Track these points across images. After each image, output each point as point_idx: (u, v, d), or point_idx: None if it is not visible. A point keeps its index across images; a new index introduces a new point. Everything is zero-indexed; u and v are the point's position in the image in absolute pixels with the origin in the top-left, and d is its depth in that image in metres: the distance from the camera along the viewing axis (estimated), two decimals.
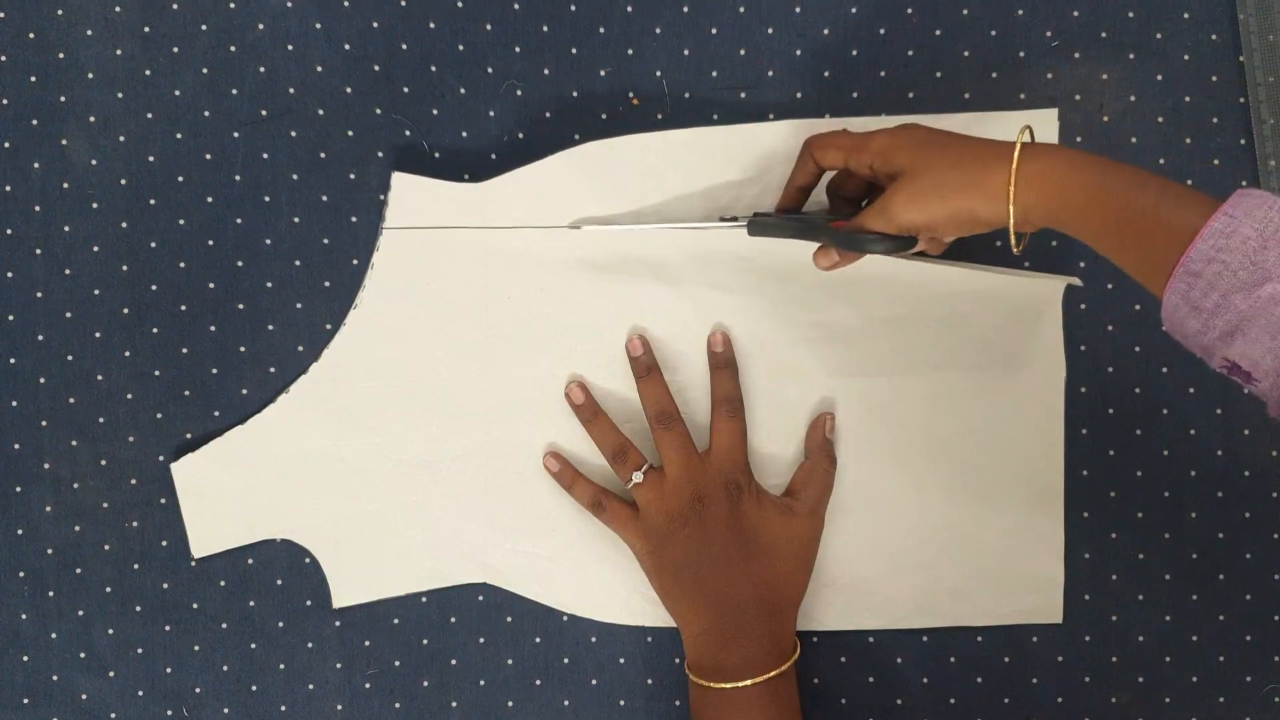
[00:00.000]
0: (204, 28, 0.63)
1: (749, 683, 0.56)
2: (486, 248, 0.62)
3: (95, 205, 0.63)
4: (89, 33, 0.63)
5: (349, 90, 0.63)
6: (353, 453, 0.63)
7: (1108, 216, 0.47)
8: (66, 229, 0.64)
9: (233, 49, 0.63)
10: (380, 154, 0.63)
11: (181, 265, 0.64)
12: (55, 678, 0.65)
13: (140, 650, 0.65)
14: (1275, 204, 0.43)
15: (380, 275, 0.62)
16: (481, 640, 0.65)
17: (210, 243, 0.64)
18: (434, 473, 0.63)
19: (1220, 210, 0.43)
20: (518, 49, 0.63)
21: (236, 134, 0.63)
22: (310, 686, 0.65)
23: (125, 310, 0.64)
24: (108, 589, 0.64)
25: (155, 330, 0.64)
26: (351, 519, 0.63)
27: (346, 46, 0.63)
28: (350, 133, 0.63)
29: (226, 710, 0.65)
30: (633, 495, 0.60)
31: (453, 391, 0.63)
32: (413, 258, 0.62)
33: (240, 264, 0.64)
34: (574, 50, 0.63)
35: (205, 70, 0.63)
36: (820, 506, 0.61)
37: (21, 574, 0.64)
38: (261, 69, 0.63)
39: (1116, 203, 0.47)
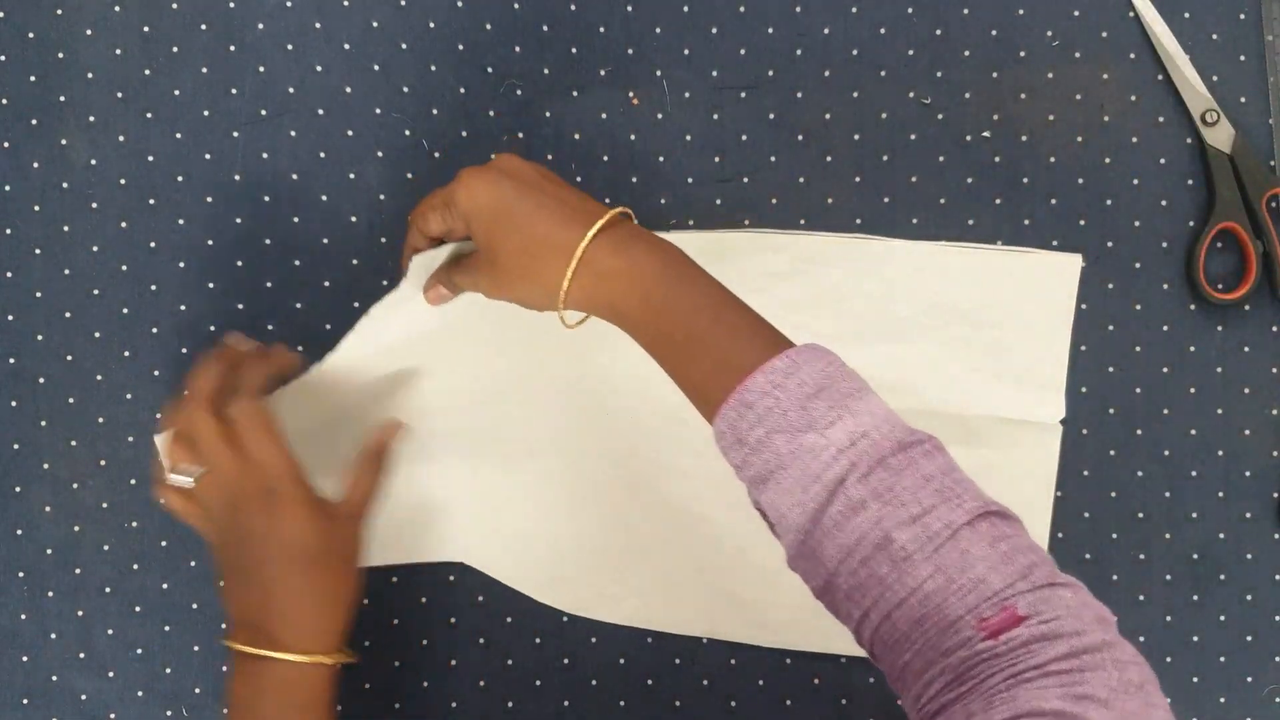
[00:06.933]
0: (204, 27, 0.63)
1: (299, 658, 0.52)
2: None
3: (95, 205, 0.63)
4: (88, 32, 0.63)
5: (349, 90, 0.63)
6: (344, 429, 0.61)
7: (661, 333, 0.47)
8: (66, 229, 0.64)
9: (232, 49, 0.63)
10: (380, 154, 0.63)
11: (181, 265, 0.64)
12: (55, 678, 0.65)
13: (140, 650, 0.65)
14: (836, 360, 0.44)
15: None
16: (481, 640, 0.65)
17: (210, 243, 0.64)
18: (423, 451, 0.62)
19: (785, 352, 0.44)
20: (518, 49, 0.63)
21: (236, 134, 0.63)
22: None
23: (125, 310, 0.64)
24: (108, 589, 0.64)
25: (155, 330, 0.64)
26: (336, 487, 0.61)
27: (346, 46, 0.63)
28: (350, 132, 0.63)
29: (226, 710, 0.65)
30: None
31: (447, 373, 0.62)
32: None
33: (240, 264, 0.64)
34: (574, 50, 0.63)
35: (205, 70, 0.63)
36: (364, 506, 0.57)
37: (21, 574, 0.64)
38: (261, 69, 0.63)
39: (673, 323, 0.47)
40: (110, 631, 0.65)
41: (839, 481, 0.41)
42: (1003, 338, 0.61)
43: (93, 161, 0.63)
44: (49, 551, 0.64)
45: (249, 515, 0.53)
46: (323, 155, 0.63)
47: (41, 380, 0.64)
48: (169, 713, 0.65)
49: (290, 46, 0.63)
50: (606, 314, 0.49)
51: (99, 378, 0.64)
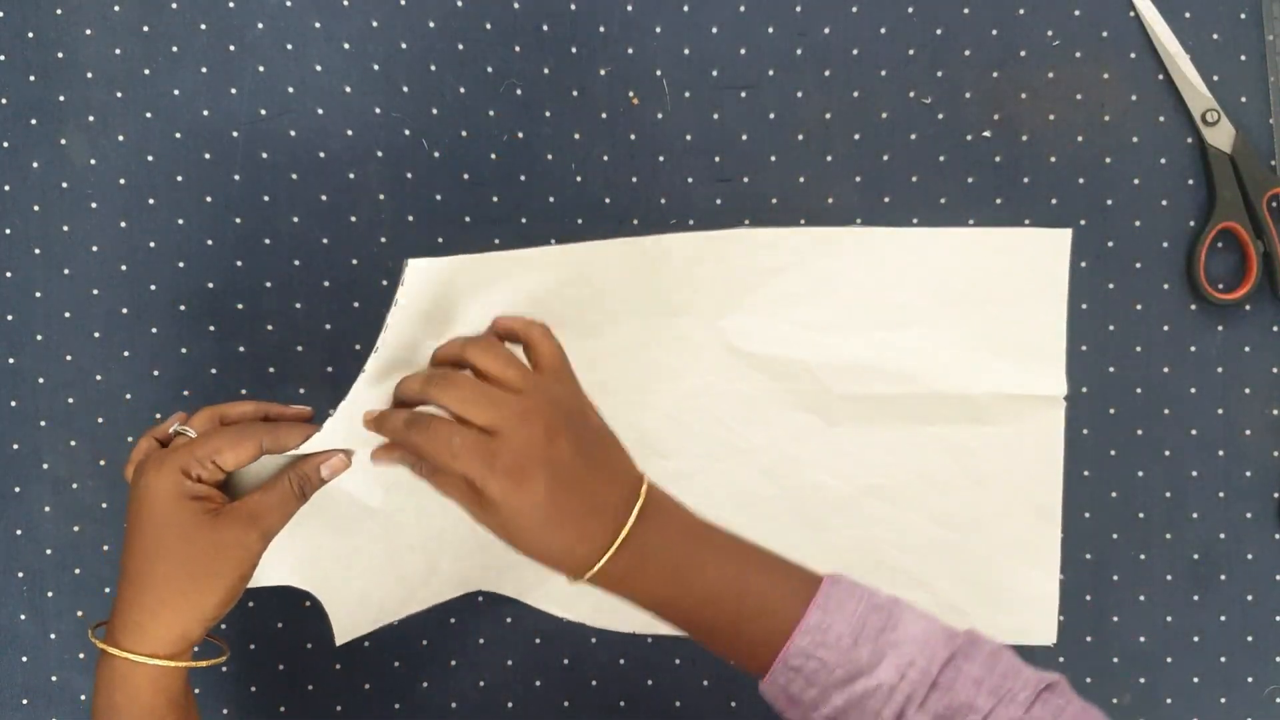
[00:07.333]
0: (203, 27, 0.63)
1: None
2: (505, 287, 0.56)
3: (94, 205, 0.63)
4: (88, 32, 0.63)
5: (348, 89, 0.63)
6: (349, 484, 0.56)
7: (684, 620, 0.48)
8: (65, 228, 0.63)
9: (232, 48, 0.63)
10: (380, 154, 0.63)
11: (181, 265, 0.64)
12: (55, 678, 0.65)
13: None
14: (864, 595, 0.46)
15: (406, 313, 0.52)
16: (481, 640, 0.65)
17: (209, 243, 0.64)
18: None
19: (813, 604, 0.45)
20: (518, 49, 0.63)
21: (236, 134, 0.63)
22: (310, 687, 0.65)
23: (125, 310, 0.64)
24: (107, 589, 0.64)
25: (155, 330, 0.64)
26: (350, 551, 0.58)
27: (346, 46, 0.63)
28: (349, 132, 0.63)
29: (226, 710, 0.65)
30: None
31: None
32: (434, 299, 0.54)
33: (240, 264, 0.64)
34: (574, 50, 0.63)
35: (204, 70, 0.63)
36: (261, 514, 0.51)
37: (21, 574, 0.64)
38: (261, 68, 0.63)
39: (694, 611, 0.47)
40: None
41: (898, 716, 0.44)
42: (999, 315, 0.62)
43: (93, 161, 0.63)
44: (49, 551, 0.64)
45: (135, 480, 0.51)
46: (323, 155, 0.63)
47: (41, 380, 0.64)
48: None
49: (290, 46, 0.63)
50: (621, 598, 0.49)
51: (99, 378, 0.64)
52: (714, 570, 0.48)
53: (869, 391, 0.62)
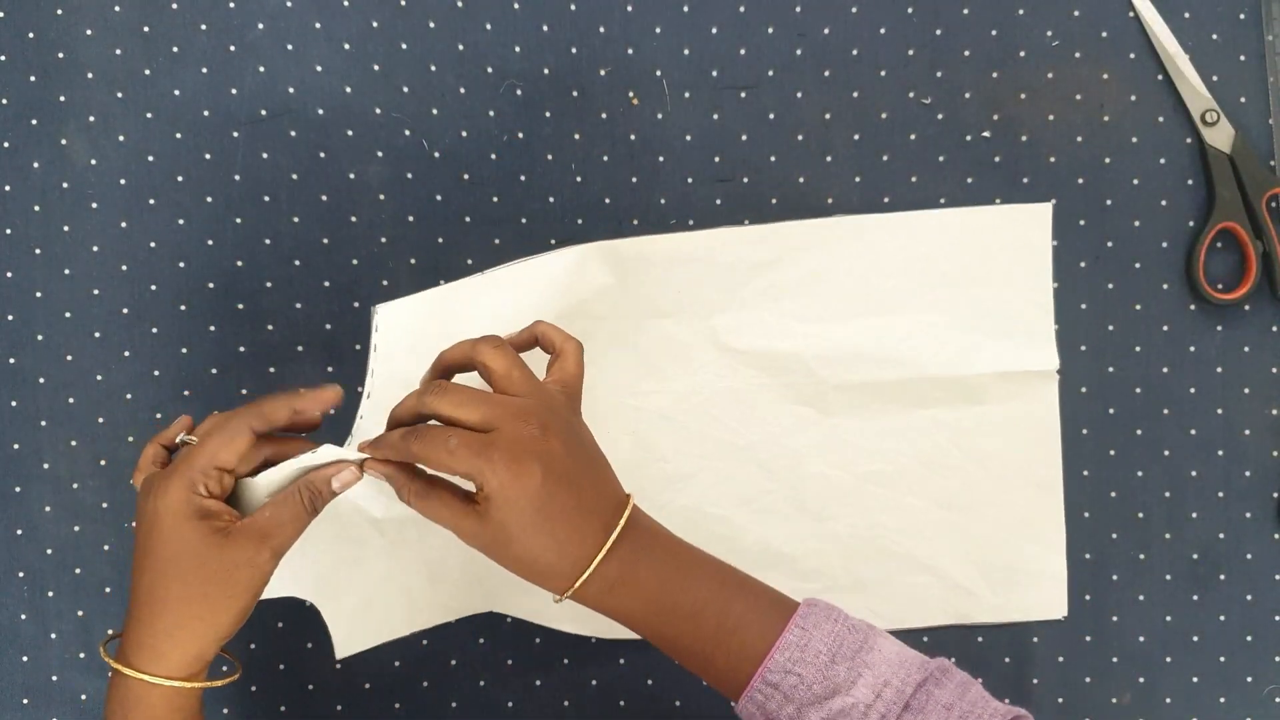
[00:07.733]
0: (203, 27, 0.63)
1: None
2: (489, 301, 0.56)
3: (95, 205, 0.63)
4: (88, 32, 0.63)
5: (348, 90, 0.63)
6: (354, 502, 0.57)
7: (665, 636, 0.49)
8: (66, 229, 0.64)
9: (232, 48, 0.63)
10: (380, 154, 0.63)
11: (181, 265, 0.64)
12: (55, 678, 0.65)
13: None
14: (841, 617, 0.47)
15: (384, 354, 0.53)
16: (481, 640, 0.65)
17: (210, 243, 0.64)
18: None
19: (792, 622, 0.47)
20: (518, 49, 0.63)
21: (236, 134, 0.63)
22: (310, 687, 0.65)
23: (125, 310, 0.64)
24: (107, 589, 0.64)
25: (155, 330, 0.64)
26: (352, 563, 0.58)
27: (346, 46, 0.63)
28: (350, 132, 0.63)
29: (226, 710, 0.65)
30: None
31: None
32: (411, 328, 0.54)
33: (240, 264, 0.64)
34: (574, 50, 0.63)
35: (205, 70, 0.63)
36: (272, 530, 0.50)
37: (21, 574, 0.64)
38: (261, 69, 0.63)
39: (677, 626, 0.48)
40: (110, 632, 0.64)
41: None
42: (986, 294, 0.62)
43: (93, 161, 0.63)
44: (49, 551, 0.64)
45: (141, 498, 0.50)
46: (323, 155, 0.63)
47: (41, 380, 0.64)
48: None
49: (290, 46, 0.63)
50: (605, 614, 0.49)
51: (99, 378, 0.64)
52: (696, 588, 0.48)
53: (863, 379, 0.62)
